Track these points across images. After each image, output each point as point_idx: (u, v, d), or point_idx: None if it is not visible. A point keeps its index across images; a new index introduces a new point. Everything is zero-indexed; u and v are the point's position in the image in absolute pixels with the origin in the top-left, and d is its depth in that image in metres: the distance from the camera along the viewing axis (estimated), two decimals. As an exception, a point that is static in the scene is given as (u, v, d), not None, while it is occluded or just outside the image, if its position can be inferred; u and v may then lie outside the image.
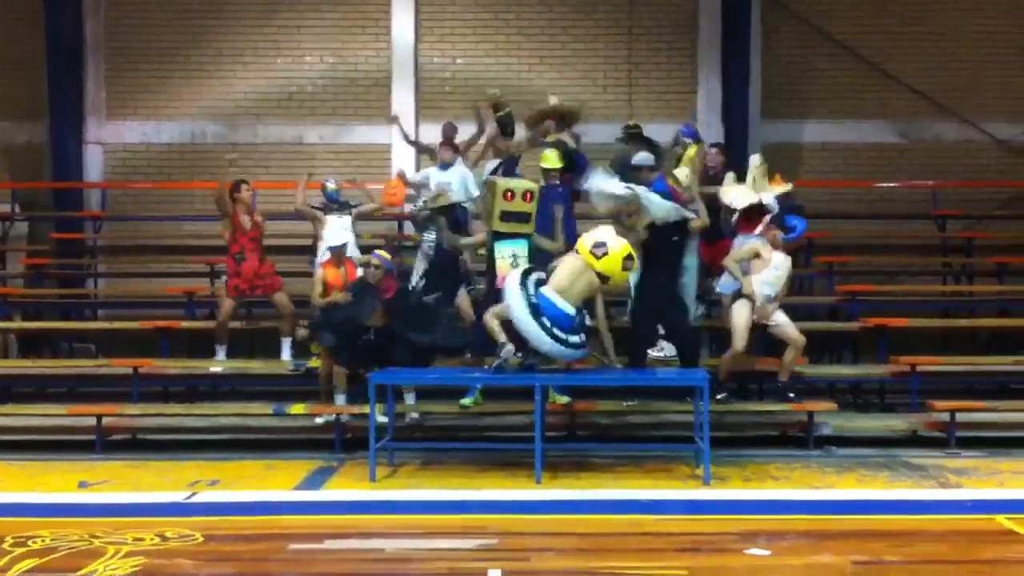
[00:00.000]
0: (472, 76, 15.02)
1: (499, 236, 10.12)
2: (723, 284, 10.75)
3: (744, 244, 10.67)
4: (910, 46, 15.22)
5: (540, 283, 9.27)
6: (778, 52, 15.22)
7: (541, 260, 9.89)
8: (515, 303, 9.12)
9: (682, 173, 10.78)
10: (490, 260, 10.20)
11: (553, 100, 11.90)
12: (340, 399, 10.43)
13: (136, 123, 15.18)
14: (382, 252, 10.45)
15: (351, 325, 10.24)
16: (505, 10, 15.23)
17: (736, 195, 11.03)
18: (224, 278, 11.69)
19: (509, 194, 10.05)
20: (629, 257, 9.43)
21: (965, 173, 14.90)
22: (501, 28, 15.26)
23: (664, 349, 11.08)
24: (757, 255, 10.42)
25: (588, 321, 9.45)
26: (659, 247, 10.24)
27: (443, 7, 15.21)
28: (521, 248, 10.07)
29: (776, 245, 10.48)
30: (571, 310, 9.15)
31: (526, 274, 9.33)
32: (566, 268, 9.38)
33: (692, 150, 11.66)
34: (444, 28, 15.23)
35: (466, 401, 10.58)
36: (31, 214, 14.95)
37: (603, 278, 9.37)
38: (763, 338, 11.00)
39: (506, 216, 10.07)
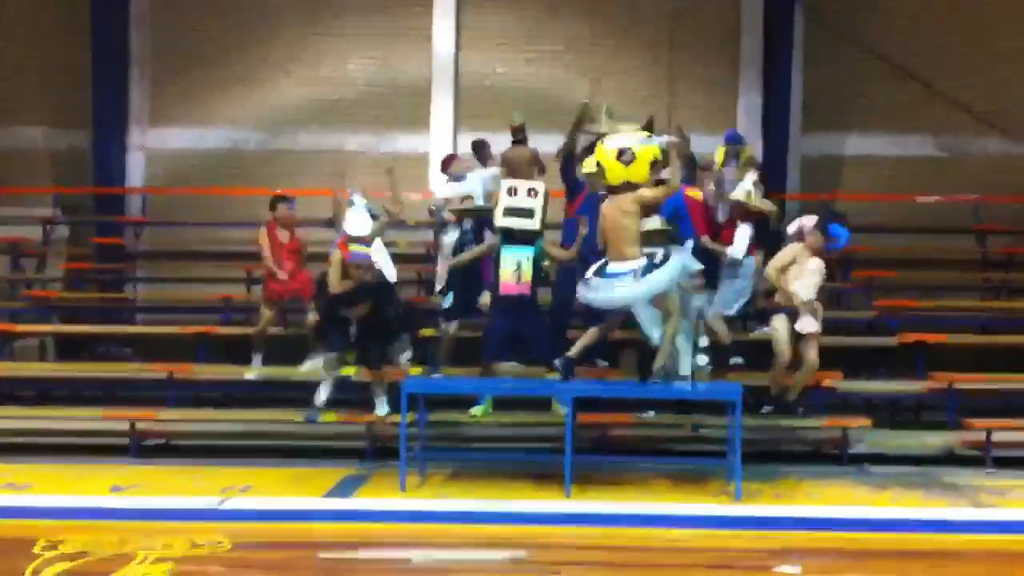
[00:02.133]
0: (512, 86, 15.05)
1: (505, 240, 9.97)
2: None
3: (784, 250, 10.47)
4: (953, 59, 15.08)
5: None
6: (819, 65, 15.13)
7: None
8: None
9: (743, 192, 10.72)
10: (495, 268, 10.03)
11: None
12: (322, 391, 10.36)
13: (178, 129, 15.33)
14: (364, 248, 10.14)
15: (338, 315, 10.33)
16: (546, 20, 15.25)
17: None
18: (262, 287, 11.73)
19: (513, 190, 9.97)
20: (656, 162, 9.10)
21: (1007, 188, 14.72)
22: (542, 38, 15.28)
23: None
24: (794, 262, 10.22)
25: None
26: None
27: (484, 16, 15.26)
28: (527, 257, 9.87)
29: (816, 252, 10.28)
30: (634, 265, 8.93)
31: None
32: (610, 232, 9.10)
33: (747, 152, 11.46)
34: (484, 37, 15.27)
35: (476, 411, 10.49)
36: (73, 218, 15.13)
37: (631, 186, 9.01)
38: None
39: (508, 212, 9.93)
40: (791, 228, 10.69)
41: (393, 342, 10.48)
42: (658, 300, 9.12)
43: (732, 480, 8.94)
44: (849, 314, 13.31)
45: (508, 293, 9.86)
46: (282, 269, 11.35)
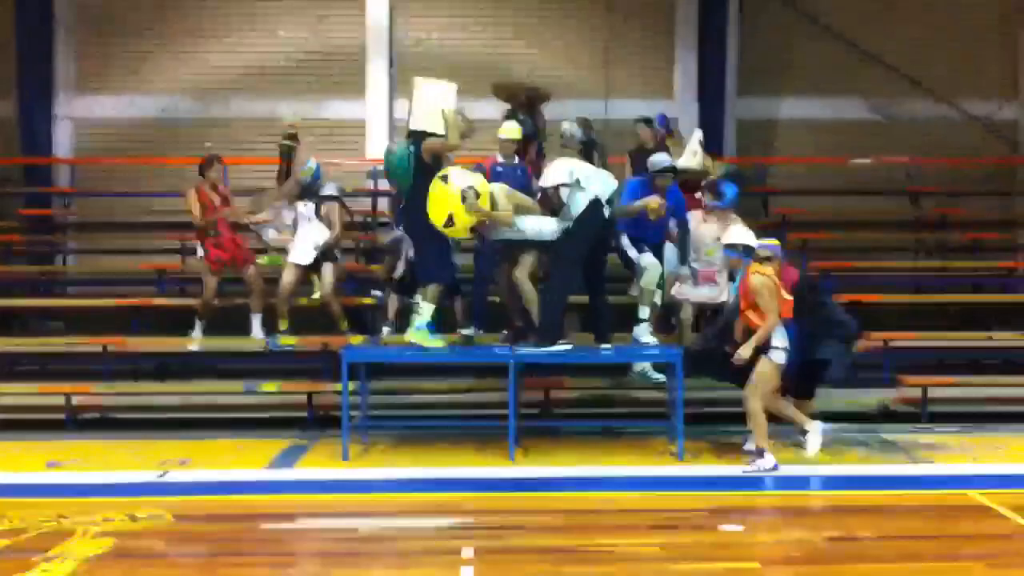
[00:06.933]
0: (447, 52, 14.90)
1: None
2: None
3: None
4: (886, 23, 15.19)
5: None
6: (755, 28, 15.16)
7: None
8: None
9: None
10: None
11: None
12: None
13: (107, 97, 14.98)
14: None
15: None
16: (480, -16, 15.15)
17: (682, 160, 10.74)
18: (200, 255, 11.35)
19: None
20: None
21: (940, 150, 14.88)
22: (476, 3, 15.15)
23: None
24: None
25: None
26: None
27: (417, -21, 15.11)
28: None
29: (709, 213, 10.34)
30: None
31: None
32: None
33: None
34: (419, 3, 15.10)
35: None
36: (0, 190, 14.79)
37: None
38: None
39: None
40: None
41: None
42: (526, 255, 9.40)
43: (674, 441, 8.99)
44: (785, 275, 13.39)
45: None
46: (221, 233, 11.05)
